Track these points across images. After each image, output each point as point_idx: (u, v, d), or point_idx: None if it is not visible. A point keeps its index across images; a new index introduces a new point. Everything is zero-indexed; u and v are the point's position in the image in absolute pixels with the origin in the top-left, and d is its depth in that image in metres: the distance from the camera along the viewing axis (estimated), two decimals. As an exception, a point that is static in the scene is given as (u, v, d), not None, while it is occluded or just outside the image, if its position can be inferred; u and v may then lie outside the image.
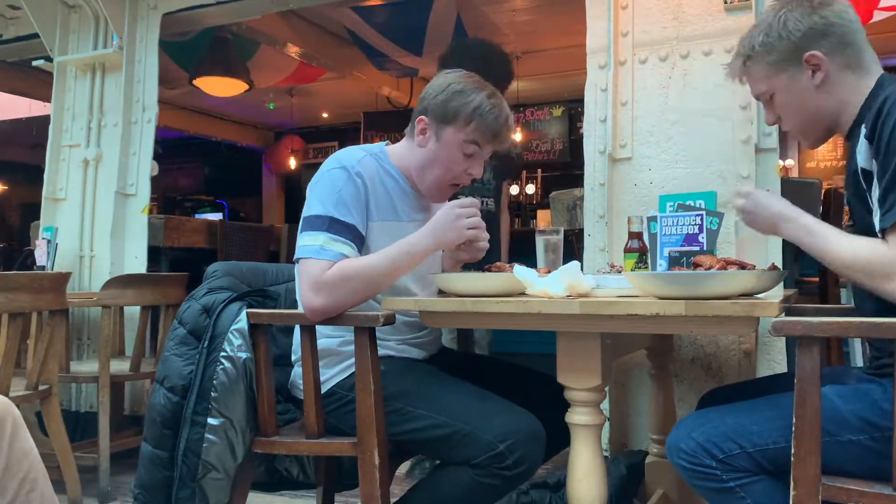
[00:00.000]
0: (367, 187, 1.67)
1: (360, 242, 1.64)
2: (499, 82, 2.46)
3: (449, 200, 1.69)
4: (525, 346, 3.69)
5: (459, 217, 1.58)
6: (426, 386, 1.64)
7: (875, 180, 1.32)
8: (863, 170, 1.35)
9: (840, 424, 1.29)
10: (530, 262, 1.75)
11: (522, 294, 1.49)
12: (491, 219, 2.83)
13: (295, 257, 1.64)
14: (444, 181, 1.73)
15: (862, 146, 1.35)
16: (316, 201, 1.64)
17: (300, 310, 1.66)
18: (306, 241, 1.61)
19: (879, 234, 1.31)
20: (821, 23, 1.42)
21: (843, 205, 1.66)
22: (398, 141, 1.85)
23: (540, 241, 1.80)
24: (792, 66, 1.46)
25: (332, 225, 1.60)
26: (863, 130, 1.35)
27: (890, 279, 1.26)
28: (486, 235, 1.64)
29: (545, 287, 1.43)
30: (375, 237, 1.68)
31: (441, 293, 1.64)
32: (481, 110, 1.65)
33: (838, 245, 1.34)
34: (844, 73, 1.43)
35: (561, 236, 1.82)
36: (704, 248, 1.47)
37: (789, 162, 7.26)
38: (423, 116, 1.71)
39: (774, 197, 1.49)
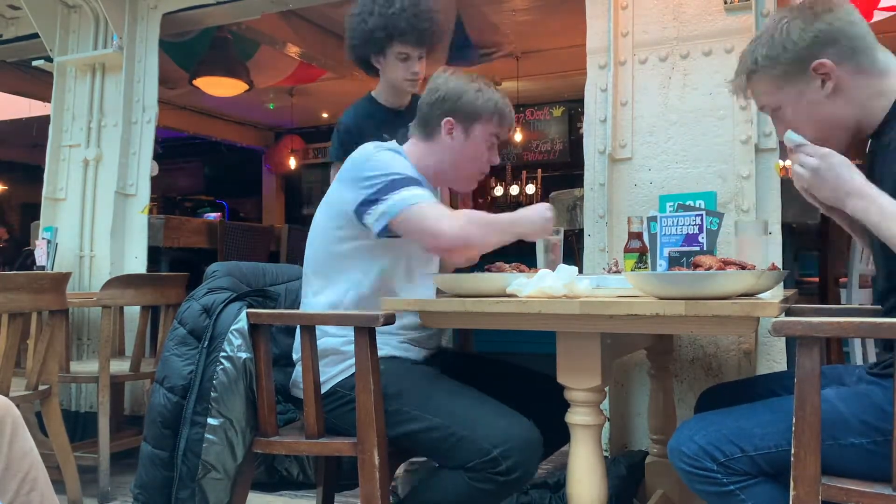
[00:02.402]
0: None
1: None
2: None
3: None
4: (524, 346, 3.69)
5: (548, 222, 1.72)
6: (424, 388, 1.64)
7: None
8: None
9: (842, 428, 1.28)
10: (530, 262, 1.75)
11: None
12: None
13: (394, 211, 1.62)
14: (474, 172, 1.86)
15: None
16: (383, 169, 1.69)
17: (428, 247, 1.72)
18: (403, 195, 1.64)
19: None
20: (826, 30, 1.35)
21: None
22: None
23: (540, 242, 1.80)
24: (799, 78, 1.38)
25: (418, 182, 1.70)
26: None
27: None
28: None
29: (542, 288, 1.42)
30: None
31: (440, 293, 1.64)
32: (501, 105, 1.81)
33: None
34: (858, 77, 1.36)
35: (561, 236, 1.82)
36: (704, 249, 1.47)
37: (789, 162, 7.23)
38: (450, 118, 1.79)
39: (854, 170, 1.32)
